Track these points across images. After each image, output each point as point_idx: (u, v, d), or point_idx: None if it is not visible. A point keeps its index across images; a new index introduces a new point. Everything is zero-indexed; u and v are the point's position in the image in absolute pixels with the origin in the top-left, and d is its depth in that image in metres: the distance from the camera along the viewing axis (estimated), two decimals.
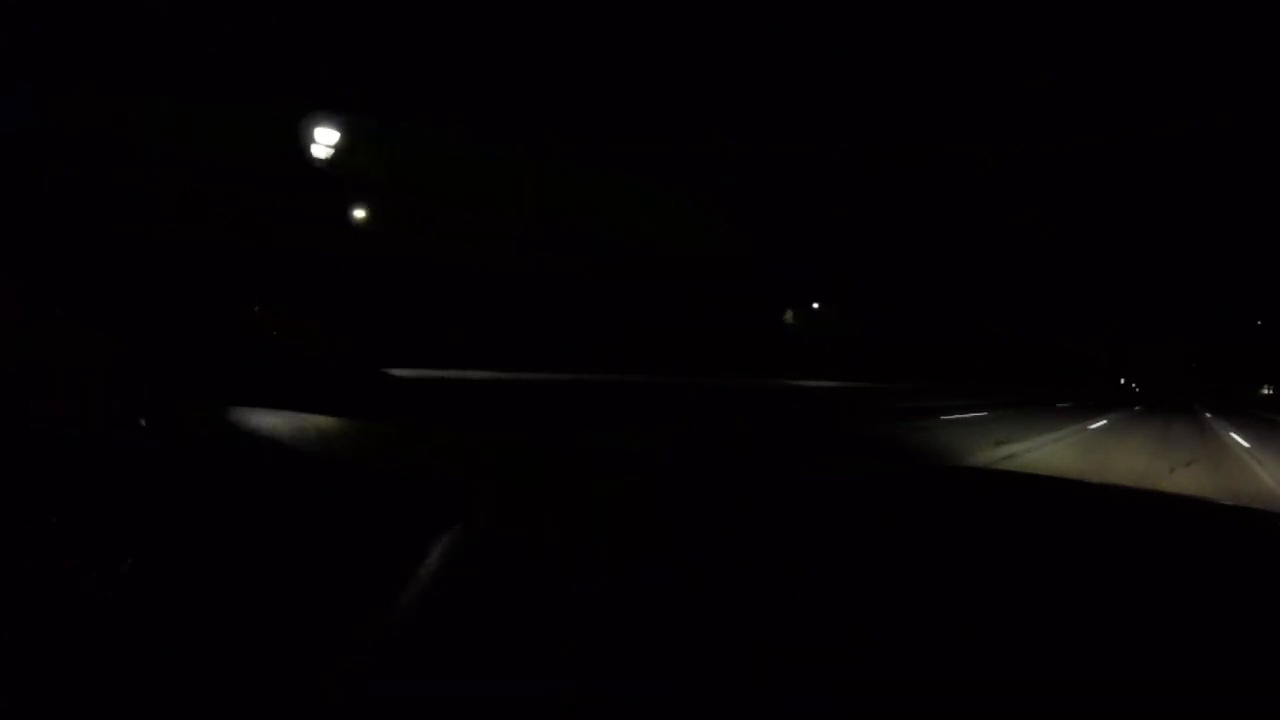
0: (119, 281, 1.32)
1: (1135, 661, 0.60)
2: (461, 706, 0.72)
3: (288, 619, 0.85)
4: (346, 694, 0.75)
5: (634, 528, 0.83)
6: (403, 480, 0.97)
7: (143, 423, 1.16)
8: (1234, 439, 14.52)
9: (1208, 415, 27.71)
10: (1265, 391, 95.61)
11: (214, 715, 0.82)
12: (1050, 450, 10.77)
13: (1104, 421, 17.58)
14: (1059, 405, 26.55)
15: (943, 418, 14.42)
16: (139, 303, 1.32)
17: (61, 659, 0.90)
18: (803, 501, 0.88)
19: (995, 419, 15.12)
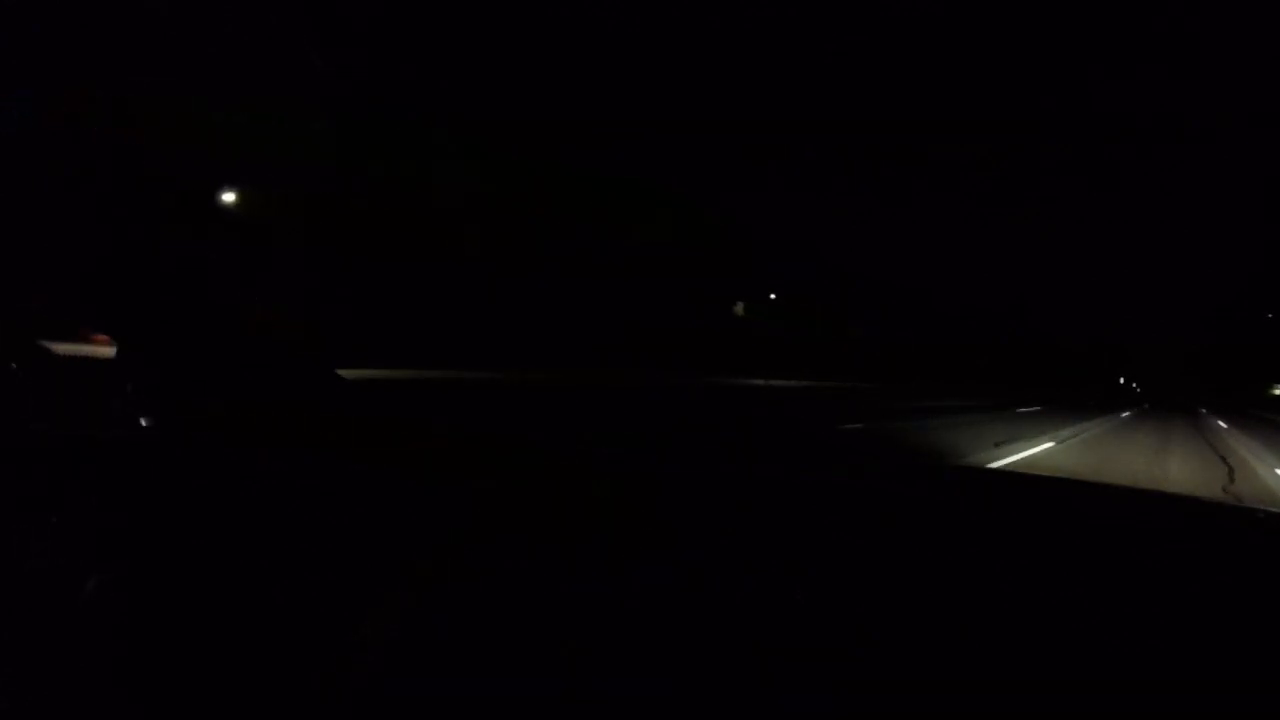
0: (119, 280, 1.32)
1: (1135, 661, 0.60)
2: (462, 706, 0.72)
3: (289, 619, 0.85)
4: (348, 694, 0.75)
5: (634, 528, 0.83)
6: (403, 480, 0.97)
7: (143, 423, 1.16)
8: None
9: (1221, 424, 19.46)
10: (1277, 392, 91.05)
11: (215, 714, 0.82)
12: None
13: (1047, 445, 10.67)
14: (1020, 410, 19.99)
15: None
16: (140, 301, 1.32)
17: (63, 659, 0.90)
18: (803, 501, 0.88)
19: (883, 436, 10.54)
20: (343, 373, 1.44)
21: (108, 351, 1.24)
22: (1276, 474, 9.03)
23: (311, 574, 0.89)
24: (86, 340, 1.38)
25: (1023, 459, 9.16)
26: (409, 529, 0.87)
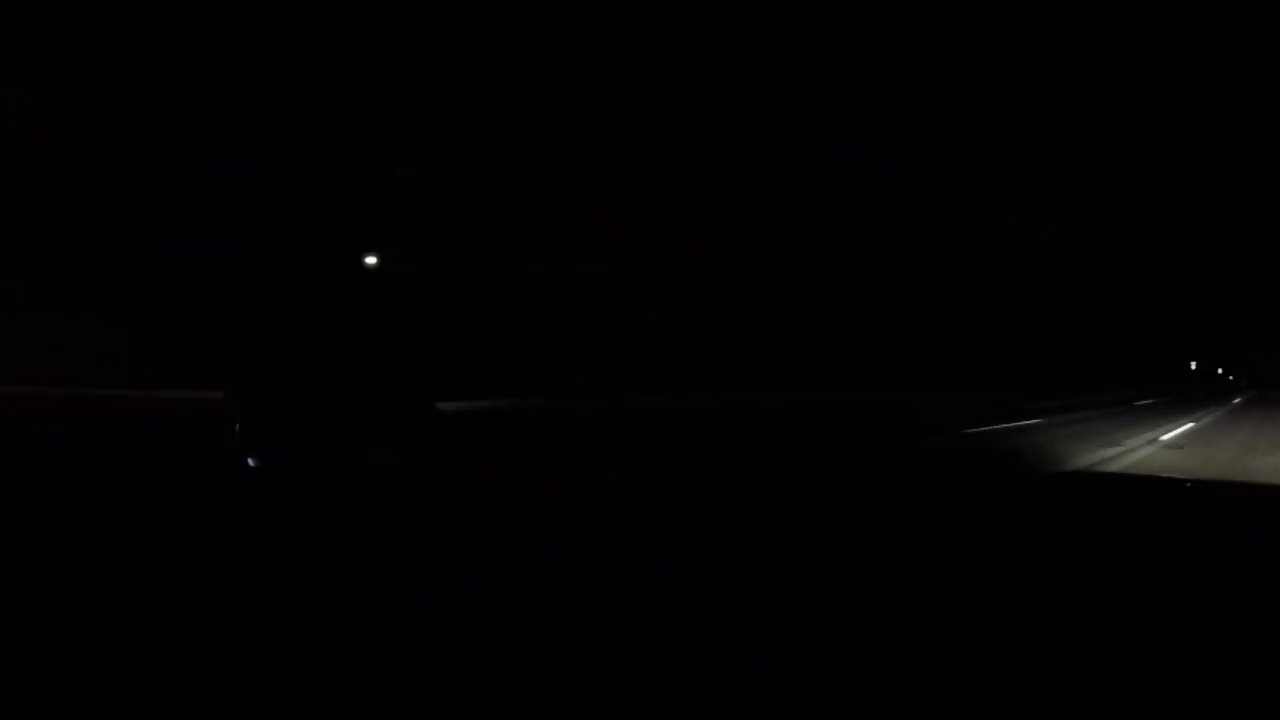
0: (126, 279, 1.32)
1: (1134, 662, 0.60)
2: (462, 706, 0.72)
3: (289, 619, 0.85)
4: (348, 693, 0.75)
5: (634, 528, 0.83)
6: (404, 480, 0.97)
7: (145, 421, 1.16)
8: None
9: None
10: None
11: (216, 714, 0.82)
12: None
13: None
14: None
15: None
16: (143, 301, 1.32)
17: (65, 659, 0.90)
18: (803, 501, 0.88)
19: None
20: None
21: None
22: None
23: (312, 573, 0.89)
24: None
25: None
26: (409, 528, 0.87)
